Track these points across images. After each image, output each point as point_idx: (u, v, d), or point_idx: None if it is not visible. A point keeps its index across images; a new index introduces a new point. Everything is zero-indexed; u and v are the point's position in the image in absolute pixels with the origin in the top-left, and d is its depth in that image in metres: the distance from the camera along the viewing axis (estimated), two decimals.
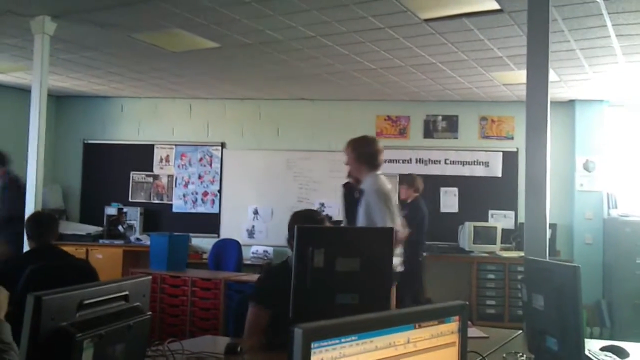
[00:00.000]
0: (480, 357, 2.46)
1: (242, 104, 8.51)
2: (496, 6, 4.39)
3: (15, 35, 5.44)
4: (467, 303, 1.41)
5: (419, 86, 7.20)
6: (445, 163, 8.05)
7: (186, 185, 8.55)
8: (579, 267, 2.11)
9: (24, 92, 6.81)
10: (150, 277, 1.92)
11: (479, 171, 7.99)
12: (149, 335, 1.84)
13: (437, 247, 7.73)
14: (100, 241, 7.94)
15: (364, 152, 4.06)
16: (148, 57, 6.25)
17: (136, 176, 8.65)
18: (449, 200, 8.00)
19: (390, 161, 8.08)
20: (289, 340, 1.04)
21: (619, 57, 5.57)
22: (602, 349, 2.63)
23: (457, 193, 7.99)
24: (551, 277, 2.27)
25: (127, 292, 1.72)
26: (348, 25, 4.95)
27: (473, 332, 3.05)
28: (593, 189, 7.62)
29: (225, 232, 8.24)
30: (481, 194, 7.91)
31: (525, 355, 2.53)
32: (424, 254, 6.79)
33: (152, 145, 8.63)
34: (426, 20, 4.77)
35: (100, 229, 8.13)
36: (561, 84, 6.77)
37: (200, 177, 8.52)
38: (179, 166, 8.59)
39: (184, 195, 8.54)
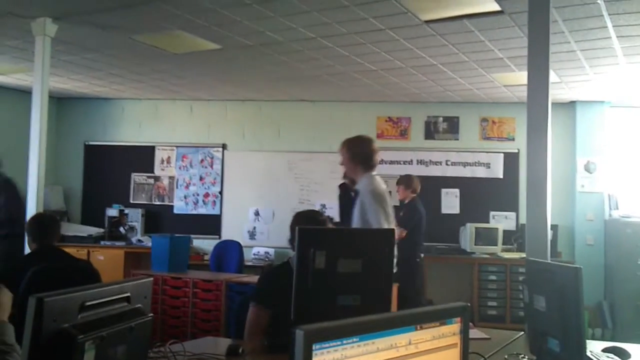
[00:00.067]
0: (482, 359, 2.46)
1: (243, 106, 8.52)
2: (497, 7, 4.39)
3: (16, 37, 5.45)
4: (469, 304, 1.41)
5: (420, 87, 7.21)
6: (446, 164, 8.05)
7: (187, 186, 8.55)
8: (581, 268, 2.11)
9: (25, 93, 6.83)
10: (151, 278, 1.92)
11: (480, 172, 7.99)
12: (151, 336, 1.84)
13: (438, 248, 7.73)
14: (102, 243, 7.93)
15: (358, 153, 4.00)
16: (149, 59, 6.25)
17: (137, 178, 8.65)
18: (450, 202, 7.99)
19: (391, 162, 8.10)
20: (290, 342, 1.04)
21: (619, 58, 5.57)
22: (604, 350, 2.63)
23: (458, 194, 7.99)
24: (553, 279, 2.27)
25: (128, 294, 1.72)
26: (348, 26, 4.95)
27: (474, 333, 3.05)
28: (594, 190, 7.62)
29: (227, 233, 8.25)
30: (482, 195, 7.91)
31: (526, 357, 2.53)
32: (422, 254, 6.79)
33: (153, 147, 8.64)
34: (427, 22, 4.77)
35: (102, 230, 8.13)
36: (562, 85, 6.77)
37: (201, 178, 8.53)
38: (180, 167, 8.59)
39: (185, 197, 8.54)
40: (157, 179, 8.62)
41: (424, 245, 6.85)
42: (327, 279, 2.42)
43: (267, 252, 8.03)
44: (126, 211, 8.25)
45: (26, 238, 3.78)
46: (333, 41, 5.38)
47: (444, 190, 8.01)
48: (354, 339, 1.12)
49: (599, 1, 4.18)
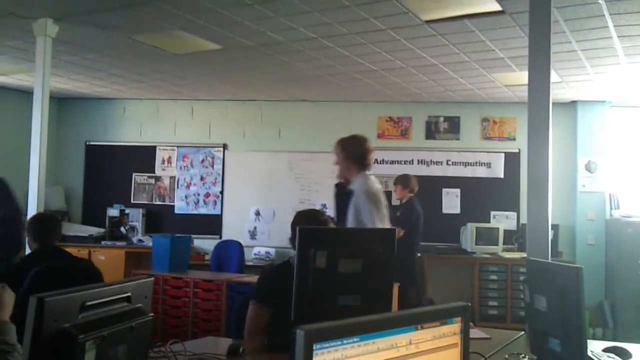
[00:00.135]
0: (483, 358, 2.46)
1: (243, 106, 8.52)
2: (498, 7, 4.39)
3: (17, 37, 5.45)
4: (469, 304, 1.41)
5: (421, 87, 7.21)
6: (447, 164, 8.05)
7: (188, 186, 8.55)
8: (582, 268, 2.11)
9: (26, 94, 6.84)
10: (152, 278, 1.92)
11: (481, 172, 7.98)
12: (151, 336, 1.84)
13: (439, 248, 7.73)
14: (103, 243, 7.94)
15: (353, 152, 3.97)
16: (150, 59, 6.25)
17: (138, 178, 8.65)
18: (451, 202, 7.99)
19: (392, 162, 8.10)
20: (291, 342, 1.04)
21: (620, 58, 5.57)
22: (605, 350, 2.63)
23: (459, 194, 7.99)
24: (553, 278, 2.26)
25: (129, 294, 1.72)
26: (349, 26, 4.95)
27: (475, 333, 3.05)
28: (595, 190, 7.61)
29: (227, 233, 8.25)
30: (483, 195, 7.91)
31: (527, 357, 2.53)
32: (419, 254, 6.80)
33: (154, 147, 8.64)
34: (427, 22, 4.77)
35: (103, 230, 8.13)
36: (563, 85, 6.76)
37: (202, 178, 8.53)
38: (181, 168, 8.59)
39: (186, 197, 8.54)
40: (158, 179, 8.62)
41: (421, 244, 6.88)
42: (328, 279, 2.41)
43: (267, 252, 8.04)
44: (127, 211, 8.26)
45: (27, 238, 3.77)
46: (334, 41, 5.38)
47: (444, 190, 8.01)
48: (355, 339, 1.12)
49: (600, 1, 4.18)
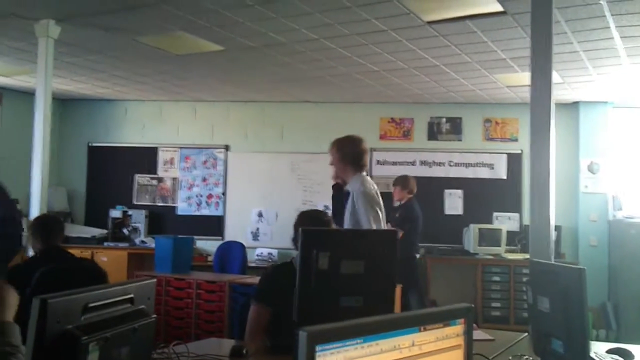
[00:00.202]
0: None
1: (246, 107, 8.52)
2: (499, 8, 4.39)
3: (19, 38, 5.46)
4: (473, 306, 1.41)
5: (423, 88, 7.20)
6: (450, 165, 8.04)
7: (190, 187, 8.56)
8: (585, 269, 2.11)
9: (29, 95, 6.84)
10: (155, 279, 1.92)
11: (483, 173, 7.98)
12: (154, 337, 1.84)
13: (441, 249, 7.73)
14: (105, 244, 7.95)
15: (348, 153, 3.94)
16: (152, 60, 6.26)
17: (140, 179, 8.66)
18: (454, 203, 7.99)
19: (394, 163, 8.10)
20: (293, 343, 1.04)
21: (622, 58, 5.56)
22: (608, 351, 2.62)
23: (461, 195, 7.98)
24: (556, 280, 2.26)
25: (132, 295, 1.72)
26: (351, 27, 4.95)
27: (478, 334, 3.04)
28: (598, 191, 7.60)
29: (230, 234, 8.25)
30: (486, 196, 7.90)
31: (530, 358, 2.52)
32: (417, 255, 6.80)
33: (157, 148, 8.65)
34: (429, 23, 4.77)
35: (105, 231, 8.14)
36: (565, 86, 6.76)
37: (204, 179, 8.53)
38: (183, 169, 8.60)
39: (188, 198, 8.55)
40: (160, 180, 8.63)
41: (420, 245, 6.89)
42: (330, 280, 2.41)
43: (270, 253, 8.04)
44: (129, 212, 8.27)
45: (30, 239, 3.77)
46: (335, 42, 5.38)
47: (447, 191, 8.01)
48: (357, 340, 1.12)
49: (601, 2, 4.18)
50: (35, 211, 4.99)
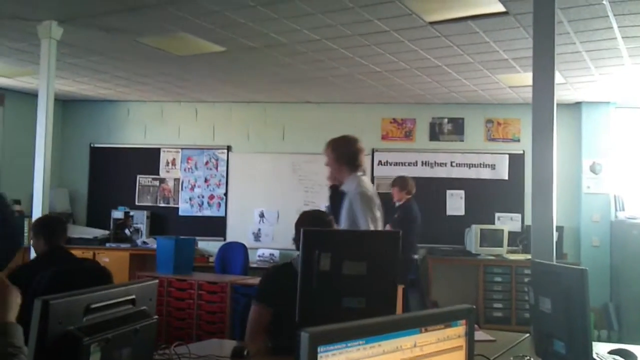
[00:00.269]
0: None
1: (247, 107, 8.53)
2: (502, 9, 4.38)
3: (22, 39, 5.47)
4: (474, 307, 1.41)
5: (425, 89, 7.20)
6: (452, 166, 8.04)
7: (192, 188, 8.56)
8: (586, 270, 2.11)
9: (31, 96, 6.86)
10: (156, 280, 1.92)
11: (485, 174, 7.97)
12: (156, 338, 1.84)
13: (443, 250, 7.72)
14: (107, 245, 7.95)
15: (344, 153, 3.91)
16: (154, 61, 6.27)
17: (142, 180, 8.67)
18: (455, 203, 7.98)
19: (396, 164, 8.10)
20: (295, 344, 1.04)
21: (625, 58, 5.56)
22: (610, 352, 2.62)
23: (463, 196, 7.98)
24: (558, 280, 2.26)
25: (134, 296, 1.72)
26: (353, 28, 4.95)
27: (480, 335, 3.04)
28: (600, 192, 7.59)
29: (232, 235, 8.26)
30: (487, 197, 7.90)
31: (532, 359, 2.52)
32: (416, 256, 6.80)
33: (158, 149, 8.66)
34: (431, 23, 4.77)
35: (107, 232, 8.15)
36: (567, 86, 6.75)
37: (206, 180, 8.54)
38: (185, 170, 8.61)
39: (190, 199, 8.55)
40: (162, 181, 8.64)
41: (418, 246, 6.89)
42: (332, 281, 2.41)
43: (272, 254, 8.04)
44: (131, 213, 8.27)
45: (32, 240, 3.77)
46: (337, 43, 5.38)
47: (449, 192, 8.00)
48: (360, 342, 1.11)
49: (604, 2, 4.17)
50: (37, 212, 4.99)
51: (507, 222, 7.77)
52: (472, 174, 8.00)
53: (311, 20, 4.77)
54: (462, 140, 8.10)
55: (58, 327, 1.42)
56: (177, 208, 8.57)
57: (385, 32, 5.01)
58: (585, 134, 7.68)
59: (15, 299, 1.81)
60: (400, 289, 4.34)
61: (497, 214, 7.87)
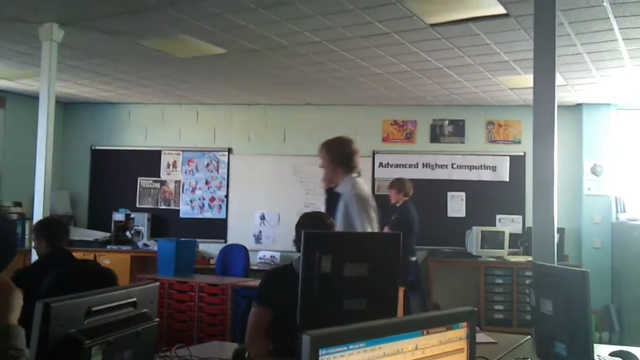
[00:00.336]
0: None
1: (248, 110, 8.53)
2: (502, 11, 4.38)
3: (23, 42, 5.47)
4: (476, 309, 1.40)
5: (426, 91, 7.20)
6: (452, 167, 8.04)
7: (193, 190, 8.56)
8: (588, 272, 2.11)
9: (32, 98, 6.86)
10: (158, 283, 1.92)
11: (486, 175, 7.97)
12: (157, 341, 1.84)
13: (444, 251, 7.72)
14: (108, 247, 7.95)
15: (338, 154, 3.89)
16: (155, 64, 6.27)
17: (143, 182, 8.67)
18: (456, 205, 7.98)
19: (397, 166, 8.10)
20: (296, 347, 1.04)
21: (625, 60, 5.56)
22: (612, 354, 2.61)
23: (464, 197, 7.98)
24: (559, 282, 2.26)
25: (135, 299, 1.72)
26: (354, 30, 4.95)
27: (481, 337, 3.04)
28: (601, 193, 7.59)
29: (233, 237, 8.25)
30: (488, 199, 7.90)
31: None
32: (413, 258, 6.80)
33: (159, 151, 8.66)
34: (432, 25, 4.77)
35: (108, 234, 8.15)
36: (568, 88, 6.75)
37: (207, 182, 8.54)
38: (186, 172, 8.61)
39: (191, 201, 8.55)
40: (163, 183, 8.64)
41: (416, 248, 6.89)
42: (333, 283, 2.41)
43: (272, 256, 8.04)
44: (132, 215, 8.27)
45: (35, 242, 3.77)
46: (338, 45, 5.38)
47: (449, 194, 8.00)
48: (361, 344, 1.11)
49: (605, 4, 4.17)
50: (38, 214, 4.99)
51: (508, 224, 7.77)
52: (473, 175, 8.00)
53: (312, 23, 4.78)
54: (463, 142, 8.10)
55: (59, 329, 1.42)
56: (178, 210, 8.56)
57: (386, 34, 5.02)
58: (586, 136, 7.68)
59: (18, 301, 1.81)
60: (400, 291, 4.33)
61: (498, 216, 7.87)
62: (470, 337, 1.36)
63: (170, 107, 8.67)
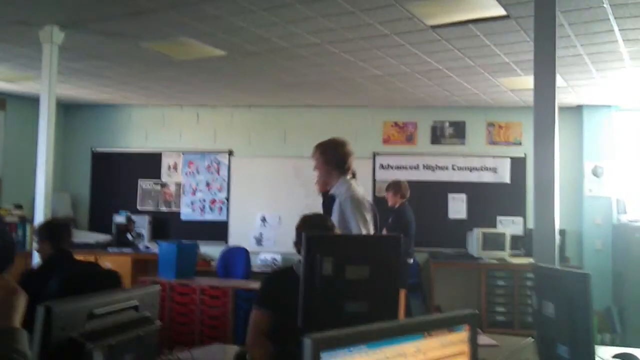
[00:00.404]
0: None
1: (249, 111, 8.53)
2: (502, 12, 4.39)
3: (24, 44, 5.48)
4: (477, 312, 1.40)
5: (426, 92, 7.20)
6: (453, 169, 8.04)
7: (194, 192, 8.57)
8: (590, 274, 2.10)
9: (33, 101, 6.86)
10: (159, 287, 1.92)
11: (487, 177, 7.97)
12: (158, 343, 1.84)
13: (445, 253, 7.72)
14: (109, 249, 7.95)
15: (332, 156, 3.87)
16: (155, 66, 6.28)
17: (144, 184, 8.68)
18: (457, 207, 7.98)
19: (398, 168, 8.09)
20: (298, 350, 1.04)
21: (626, 61, 5.56)
22: (614, 356, 2.61)
23: (465, 199, 7.97)
24: (561, 285, 2.25)
25: (136, 302, 1.72)
26: (354, 32, 4.95)
27: (483, 339, 3.04)
28: (602, 195, 7.59)
29: (234, 239, 8.25)
30: (489, 200, 7.89)
31: None
32: (410, 260, 6.79)
33: (160, 153, 8.67)
34: (432, 27, 4.77)
35: (109, 237, 8.15)
36: (568, 90, 6.75)
37: (208, 184, 8.54)
38: (186, 174, 8.61)
39: (192, 203, 8.55)
40: (164, 185, 8.64)
41: (414, 250, 6.88)
42: (335, 286, 2.41)
43: (274, 258, 8.03)
44: (133, 218, 8.27)
45: (38, 244, 3.77)
46: (339, 47, 5.38)
47: (450, 195, 8.00)
48: (363, 347, 1.11)
49: (605, 5, 4.17)
50: (39, 217, 5.00)
51: (509, 226, 7.76)
52: (473, 177, 7.99)
53: (312, 24, 4.78)
54: (464, 144, 8.10)
55: (61, 333, 1.42)
56: (179, 212, 8.57)
57: (386, 36, 5.02)
58: (587, 137, 7.68)
59: (21, 303, 1.81)
60: (401, 294, 4.32)
61: (499, 218, 7.87)
62: (472, 340, 1.36)
63: (171, 109, 8.67)
